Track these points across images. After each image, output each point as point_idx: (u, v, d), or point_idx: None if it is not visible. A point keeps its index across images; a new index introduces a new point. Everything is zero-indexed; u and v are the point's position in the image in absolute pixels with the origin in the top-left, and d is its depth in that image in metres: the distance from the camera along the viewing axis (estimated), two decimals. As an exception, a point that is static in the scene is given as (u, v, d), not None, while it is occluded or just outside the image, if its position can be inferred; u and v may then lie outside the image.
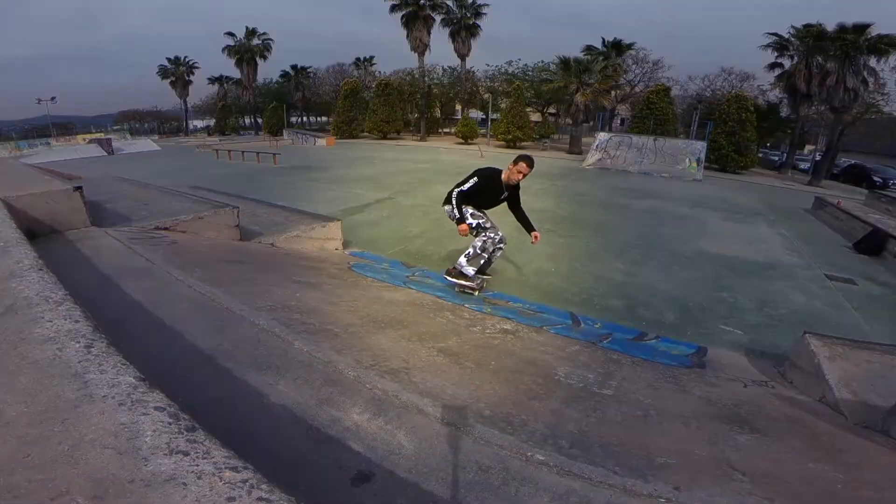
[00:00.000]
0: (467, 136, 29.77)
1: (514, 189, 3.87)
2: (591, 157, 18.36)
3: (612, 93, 28.54)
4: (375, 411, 1.52)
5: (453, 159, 17.95)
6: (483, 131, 32.16)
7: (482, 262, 3.91)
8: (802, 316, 3.99)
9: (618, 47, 27.75)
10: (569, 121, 27.21)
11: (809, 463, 1.56)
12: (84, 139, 28.79)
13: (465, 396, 1.77)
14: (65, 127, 40.73)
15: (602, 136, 19.40)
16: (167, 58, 44.03)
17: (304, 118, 49.24)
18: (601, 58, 25.54)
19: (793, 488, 1.39)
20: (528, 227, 3.96)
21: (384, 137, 31.74)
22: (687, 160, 15.95)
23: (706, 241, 6.55)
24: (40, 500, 0.76)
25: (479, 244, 3.73)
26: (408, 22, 31.35)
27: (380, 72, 42.23)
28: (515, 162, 3.70)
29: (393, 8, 30.78)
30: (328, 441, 1.32)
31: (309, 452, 1.26)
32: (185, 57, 44.13)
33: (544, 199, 9.47)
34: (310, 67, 45.10)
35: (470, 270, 3.73)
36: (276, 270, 3.45)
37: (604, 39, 27.92)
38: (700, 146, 16.43)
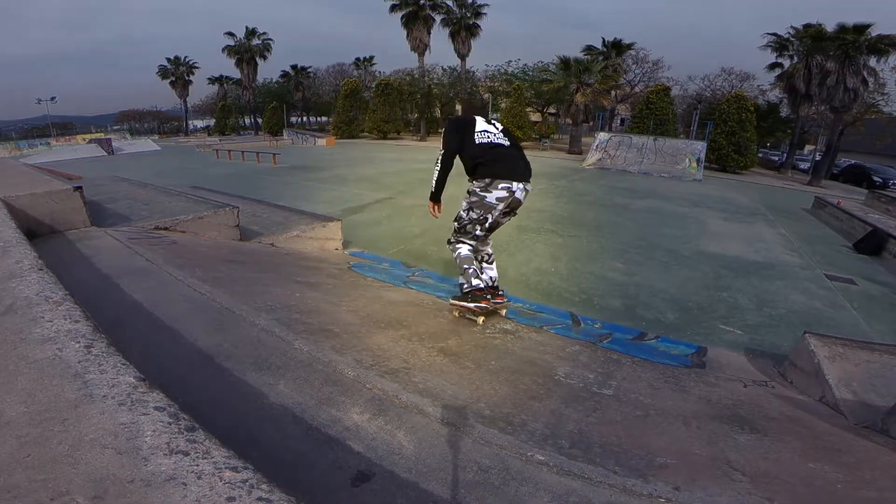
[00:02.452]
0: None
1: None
2: (591, 157, 18.36)
3: (612, 93, 28.55)
4: (375, 411, 1.52)
5: (453, 159, 17.98)
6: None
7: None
8: (802, 316, 3.99)
9: (618, 47, 27.77)
10: (569, 121, 27.21)
11: (809, 463, 1.56)
12: (84, 139, 28.85)
13: (465, 396, 1.77)
14: (65, 127, 40.78)
15: (602, 135, 19.41)
16: (167, 58, 44.04)
17: (305, 118, 49.23)
18: (601, 58, 25.56)
19: (793, 488, 1.39)
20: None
21: (384, 137, 31.80)
22: (687, 160, 15.96)
23: (706, 241, 6.55)
24: (40, 500, 0.76)
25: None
26: (408, 22, 31.30)
27: (380, 72, 42.28)
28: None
29: (393, 8, 30.72)
30: (328, 441, 1.32)
31: (309, 452, 1.26)
32: (185, 57, 44.16)
33: (544, 199, 9.47)
34: (310, 67, 45.12)
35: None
36: (276, 270, 3.45)
37: (604, 39, 27.95)
38: (700, 146, 16.45)
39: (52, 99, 40.62)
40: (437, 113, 39.84)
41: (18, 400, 1.00)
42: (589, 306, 3.89)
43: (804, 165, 24.33)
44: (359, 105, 34.06)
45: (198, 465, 0.81)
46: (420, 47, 31.69)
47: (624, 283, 4.57)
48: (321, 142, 27.25)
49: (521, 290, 4.16)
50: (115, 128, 42.78)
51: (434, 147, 27.56)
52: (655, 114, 20.65)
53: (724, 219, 8.53)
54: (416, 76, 34.78)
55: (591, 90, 23.05)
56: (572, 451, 1.46)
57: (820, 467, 1.53)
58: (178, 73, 44.21)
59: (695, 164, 15.66)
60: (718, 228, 7.59)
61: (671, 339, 3.30)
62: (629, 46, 28.37)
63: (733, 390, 2.28)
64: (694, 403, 2.07)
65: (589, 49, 27.10)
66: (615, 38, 27.82)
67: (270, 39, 41.15)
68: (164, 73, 44.15)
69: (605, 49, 27.53)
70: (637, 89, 31.79)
